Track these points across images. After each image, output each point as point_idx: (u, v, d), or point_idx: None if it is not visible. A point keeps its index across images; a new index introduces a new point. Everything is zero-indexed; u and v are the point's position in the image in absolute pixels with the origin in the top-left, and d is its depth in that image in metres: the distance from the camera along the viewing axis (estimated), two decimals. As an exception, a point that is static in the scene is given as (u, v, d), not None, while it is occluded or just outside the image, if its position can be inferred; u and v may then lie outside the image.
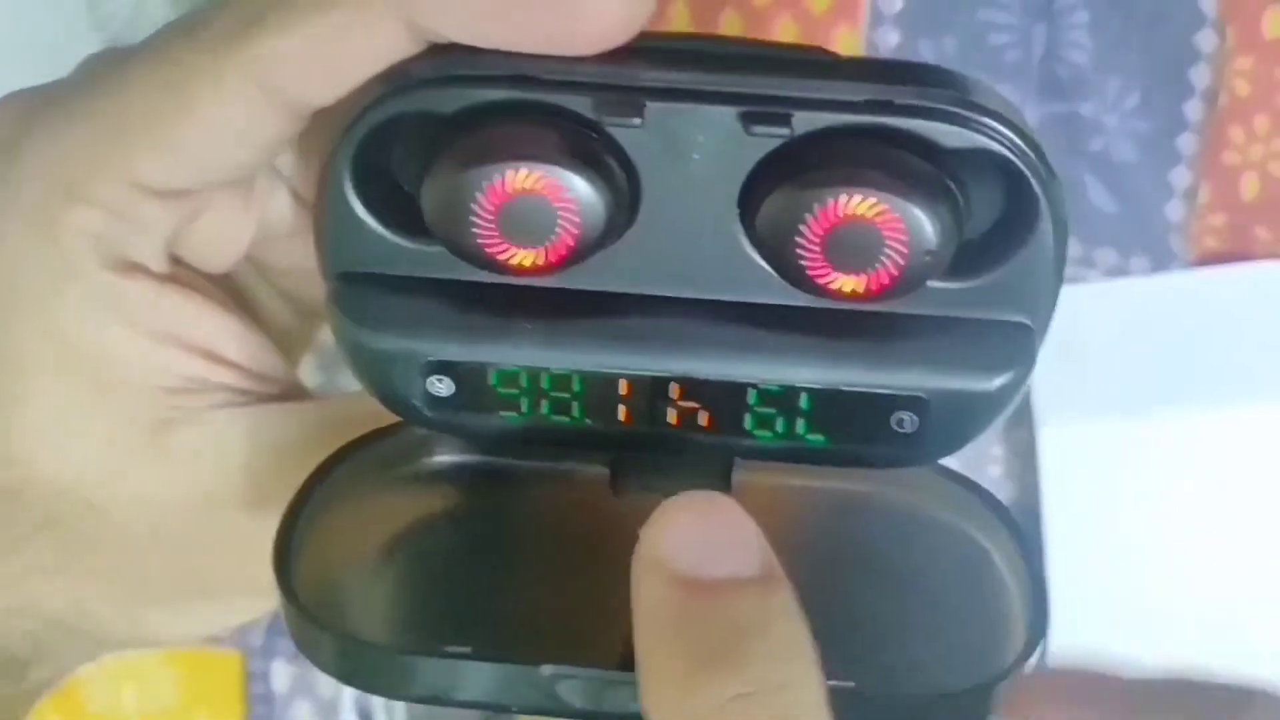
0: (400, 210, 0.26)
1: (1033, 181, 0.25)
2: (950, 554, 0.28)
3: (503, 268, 0.25)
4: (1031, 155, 0.25)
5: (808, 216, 0.25)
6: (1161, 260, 0.51)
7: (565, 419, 0.27)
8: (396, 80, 0.25)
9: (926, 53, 0.49)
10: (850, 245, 0.25)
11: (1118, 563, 0.52)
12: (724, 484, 0.28)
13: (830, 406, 0.27)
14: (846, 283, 0.25)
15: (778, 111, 0.25)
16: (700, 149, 0.25)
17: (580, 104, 0.25)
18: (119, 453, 0.28)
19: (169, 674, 0.56)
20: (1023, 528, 0.27)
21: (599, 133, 0.25)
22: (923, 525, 0.28)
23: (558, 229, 0.25)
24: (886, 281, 0.25)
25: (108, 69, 0.27)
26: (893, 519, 0.29)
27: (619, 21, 0.24)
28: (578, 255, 0.25)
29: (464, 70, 0.25)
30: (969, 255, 0.26)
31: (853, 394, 0.26)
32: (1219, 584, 0.52)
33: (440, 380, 0.27)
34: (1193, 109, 0.50)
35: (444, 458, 0.29)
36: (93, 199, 0.26)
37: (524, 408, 0.27)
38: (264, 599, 0.29)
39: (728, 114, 0.25)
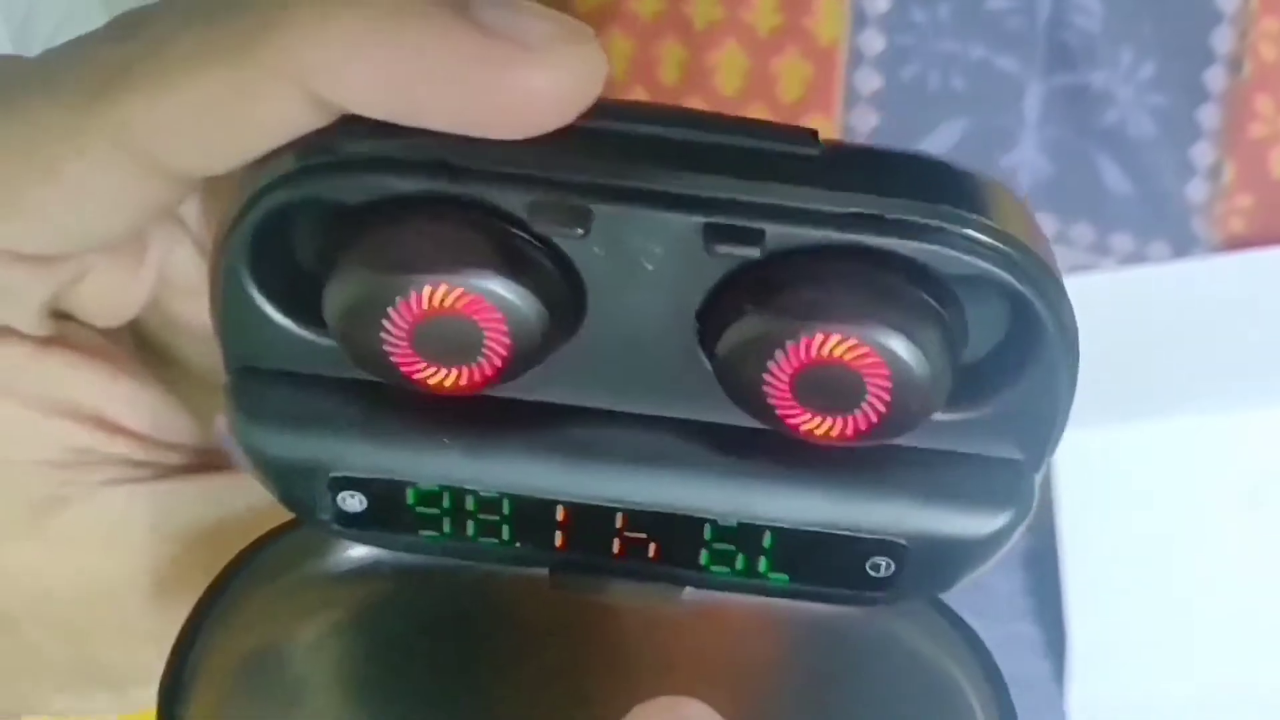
0: (307, 297, 0.23)
1: (1045, 315, 0.22)
2: (917, 683, 0.25)
3: (419, 386, 0.22)
4: (1043, 283, 0.22)
5: (777, 353, 0.21)
6: (1183, 246, 0.49)
7: (494, 541, 0.24)
8: (302, 154, 0.22)
9: (919, 18, 0.46)
10: (826, 387, 0.22)
11: (1139, 579, 0.50)
12: (675, 596, 0.25)
13: (796, 546, 0.24)
14: (821, 425, 0.22)
15: (747, 226, 0.21)
16: (654, 259, 0.22)
17: (513, 203, 0.21)
18: None
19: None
20: (995, 665, 0.25)
21: (536, 236, 0.22)
22: (889, 650, 0.25)
23: (484, 349, 0.22)
24: (865, 428, 0.22)
25: None
26: (857, 642, 0.25)
27: (559, 101, 0.21)
28: (507, 374, 0.22)
29: (371, 152, 0.22)
30: (962, 383, 0.23)
31: (823, 536, 0.24)
32: (1254, 598, 0.50)
33: (351, 495, 0.24)
34: (1214, 78, 0.47)
35: (364, 551, 0.26)
36: None
37: (446, 528, 0.24)
38: None
39: (687, 224, 0.22)
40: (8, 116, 0.23)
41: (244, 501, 0.27)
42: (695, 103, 0.47)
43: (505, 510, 0.24)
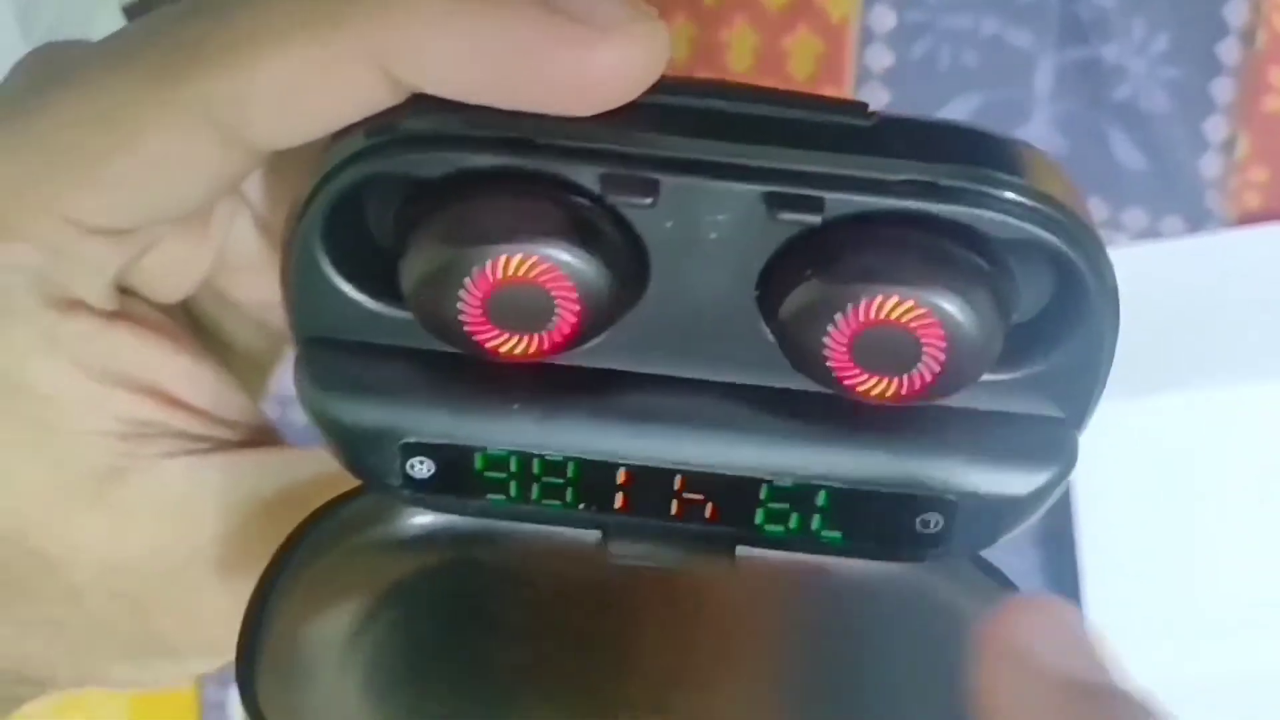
0: (378, 270, 0.24)
1: (1087, 274, 0.23)
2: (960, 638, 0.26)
3: (492, 354, 0.23)
4: (1086, 244, 0.23)
5: (837, 316, 0.22)
6: (1197, 220, 0.48)
7: (557, 503, 0.25)
8: (375, 131, 0.23)
9: None
10: (883, 348, 0.23)
11: (1157, 553, 0.50)
12: (728, 558, 0.26)
13: (850, 505, 0.25)
14: (877, 386, 0.23)
15: (808, 194, 0.22)
16: (718, 228, 0.23)
17: (584, 176, 0.22)
18: (64, 501, 0.26)
19: (119, 704, 0.54)
20: None
21: (604, 207, 0.23)
22: (933, 607, 0.26)
23: (555, 317, 0.23)
24: (920, 388, 0.23)
25: (34, 93, 0.24)
26: (900, 598, 0.26)
27: (627, 78, 0.22)
28: (576, 341, 0.23)
29: (451, 129, 0.23)
30: (1010, 346, 0.24)
31: (875, 494, 0.25)
32: (1271, 577, 0.50)
33: (420, 462, 0.25)
34: (1228, 50, 0.47)
35: (426, 519, 0.26)
36: (26, 235, 0.25)
37: (512, 492, 0.25)
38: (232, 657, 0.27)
39: (751, 193, 0.22)
40: (84, 92, 0.24)
41: (302, 473, 0.27)
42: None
43: (569, 473, 0.25)
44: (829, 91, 0.46)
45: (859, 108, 0.23)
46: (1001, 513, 0.25)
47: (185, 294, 0.28)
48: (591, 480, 0.25)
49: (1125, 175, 0.48)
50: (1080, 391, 0.25)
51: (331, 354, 0.25)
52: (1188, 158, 0.48)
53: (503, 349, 0.23)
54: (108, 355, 0.26)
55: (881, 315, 0.22)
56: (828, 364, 0.23)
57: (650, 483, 0.25)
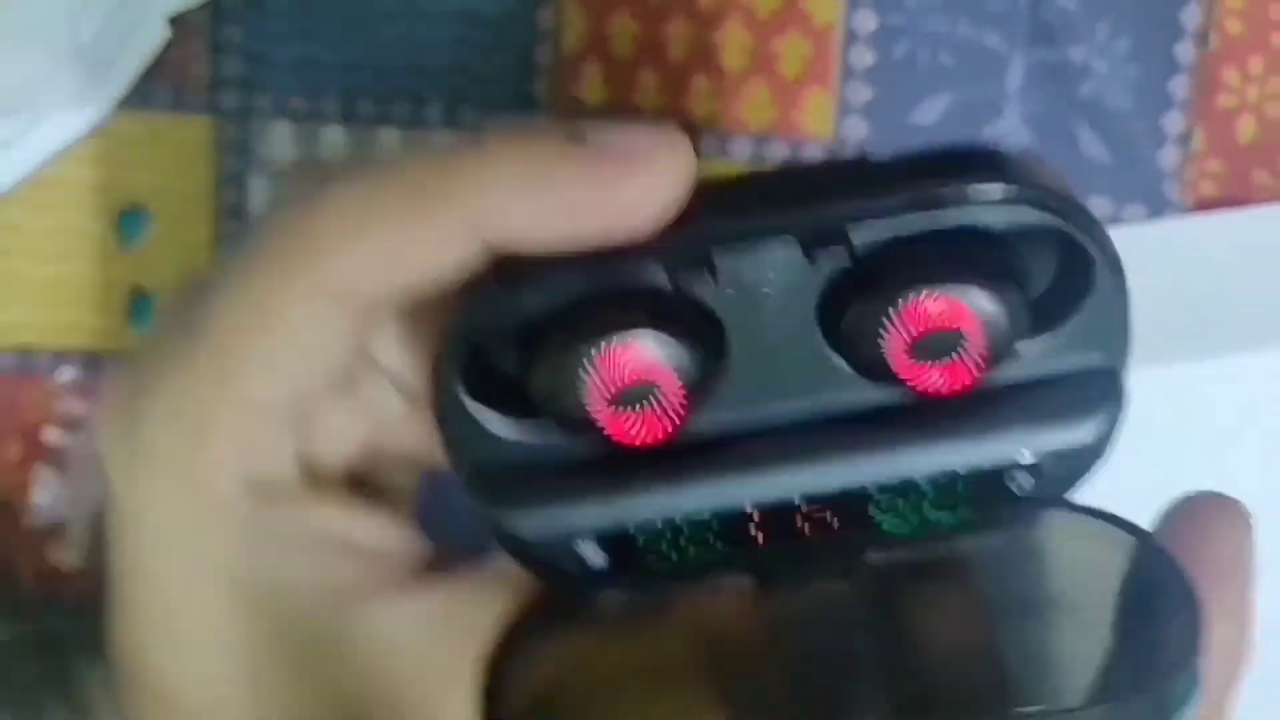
0: (510, 393, 0.28)
1: (1083, 240, 0.27)
2: (1099, 571, 0.29)
3: (621, 441, 0.27)
4: (1077, 217, 0.27)
5: (887, 326, 0.26)
6: (1157, 208, 0.50)
7: (707, 553, 0.29)
8: (478, 290, 0.27)
9: (909, 1, 0.48)
10: (934, 347, 0.27)
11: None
12: (859, 562, 0.29)
13: (949, 487, 0.28)
14: (940, 380, 0.27)
15: (835, 232, 0.26)
16: (771, 283, 0.27)
17: (654, 273, 0.27)
18: (276, 674, 0.28)
19: None
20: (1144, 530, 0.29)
21: (680, 294, 0.27)
22: (1062, 551, 0.30)
23: (659, 397, 0.27)
24: (975, 369, 0.27)
25: (193, 307, 0.28)
26: (1031, 550, 0.30)
27: (669, 197, 0.26)
28: (689, 413, 0.27)
29: (541, 270, 0.27)
30: (1037, 316, 0.28)
31: (969, 474, 0.28)
32: None
33: (594, 551, 0.29)
34: (1184, 51, 0.49)
35: (614, 596, 0.30)
36: (219, 432, 0.27)
37: (671, 555, 0.29)
38: None
39: (789, 246, 0.26)
40: (232, 293, 0.27)
41: (492, 594, 0.29)
42: (700, 79, 0.50)
43: (713, 526, 0.28)
44: (816, 90, 0.49)
45: (862, 159, 0.28)
46: (1078, 458, 0.28)
47: (349, 458, 0.30)
48: (731, 526, 0.28)
49: (1090, 167, 0.50)
50: (1113, 338, 0.28)
51: (494, 478, 0.28)
52: (1148, 150, 0.50)
53: (630, 433, 0.27)
54: (306, 528, 0.28)
55: (923, 318, 0.26)
56: (894, 372, 0.27)
57: (779, 515, 0.28)
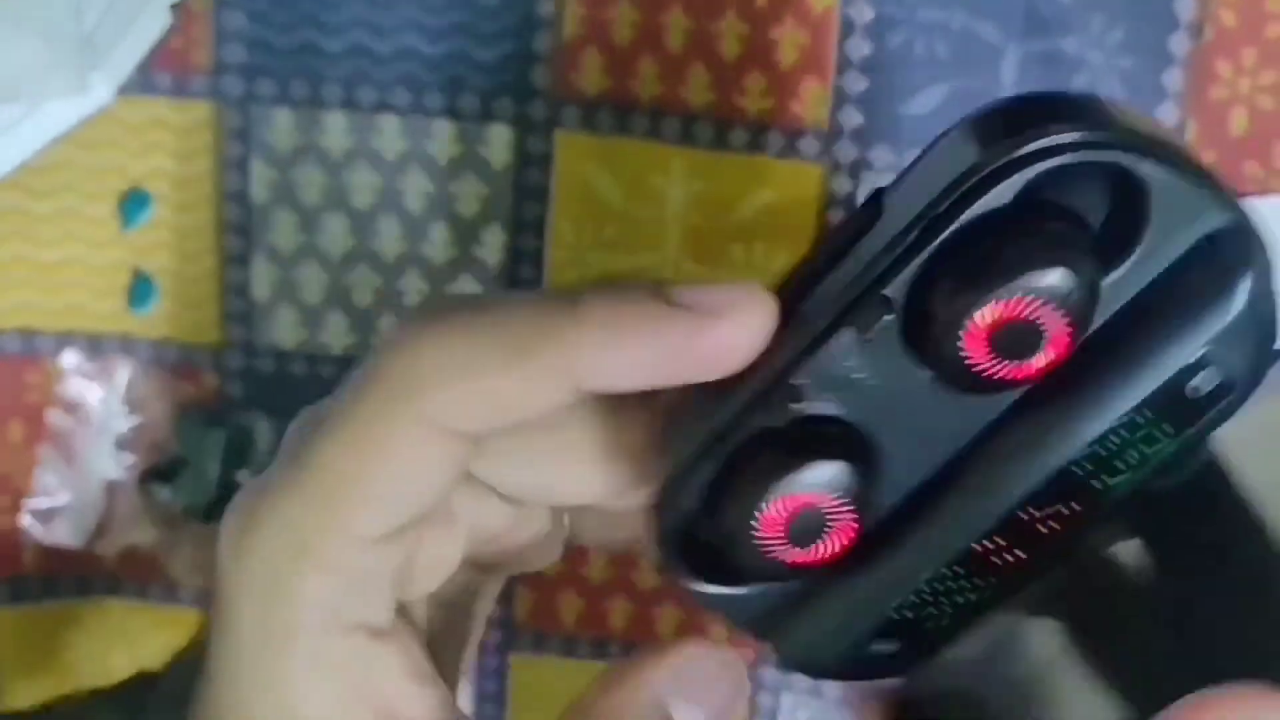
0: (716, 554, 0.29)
1: (1117, 152, 0.26)
2: None
3: (826, 562, 0.28)
4: (1108, 130, 0.26)
5: (962, 354, 0.26)
6: None
7: (973, 594, 0.29)
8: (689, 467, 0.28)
9: None
10: (1009, 343, 0.26)
11: None
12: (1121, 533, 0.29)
13: (1141, 425, 0.27)
14: (1039, 363, 0.26)
15: (872, 301, 0.27)
16: (856, 369, 0.27)
17: (776, 414, 0.28)
18: None
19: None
20: None
21: (804, 423, 0.28)
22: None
23: (831, 529, 0.28)
24: (1066, 334, 0.26)
25: (305, 438, 0.29)
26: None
27: (752, 343, 0.27)
28: (863, 513, 0.28)
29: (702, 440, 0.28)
30: (1113, 241, 0.27)
31: (1146, 403, 0.27)
32: None
33: (881, 643, 0.30)
34: (1178, 43, 0.49)
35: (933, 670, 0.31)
36: (323, 564, 0.28)
37: (946, 610, 0.30)
38: None
39: (847, 336, 0.27)
40: (337, 427, 0.28)
41: None
42: (698, 68, 0.50)
43: (960, 573, 0.29)
44: (813, 81, 0.50)
45: (873, 201, 0.28)
46: (1247, 328, 0.26)
47: (438, 586, 0.31)
48: (981, 564, 0.29)
49: (1084, 157, 0.50)
50: (1206, 209, 0.26)
51: (766, 624, 0.30)
52: None
53: (825, 556, 0.28)
54: (367, 675, 0.29)
55: (977, 337, 0.26)
56: (1001, 378, 0.27)
57: (1017, 533, 0.29)
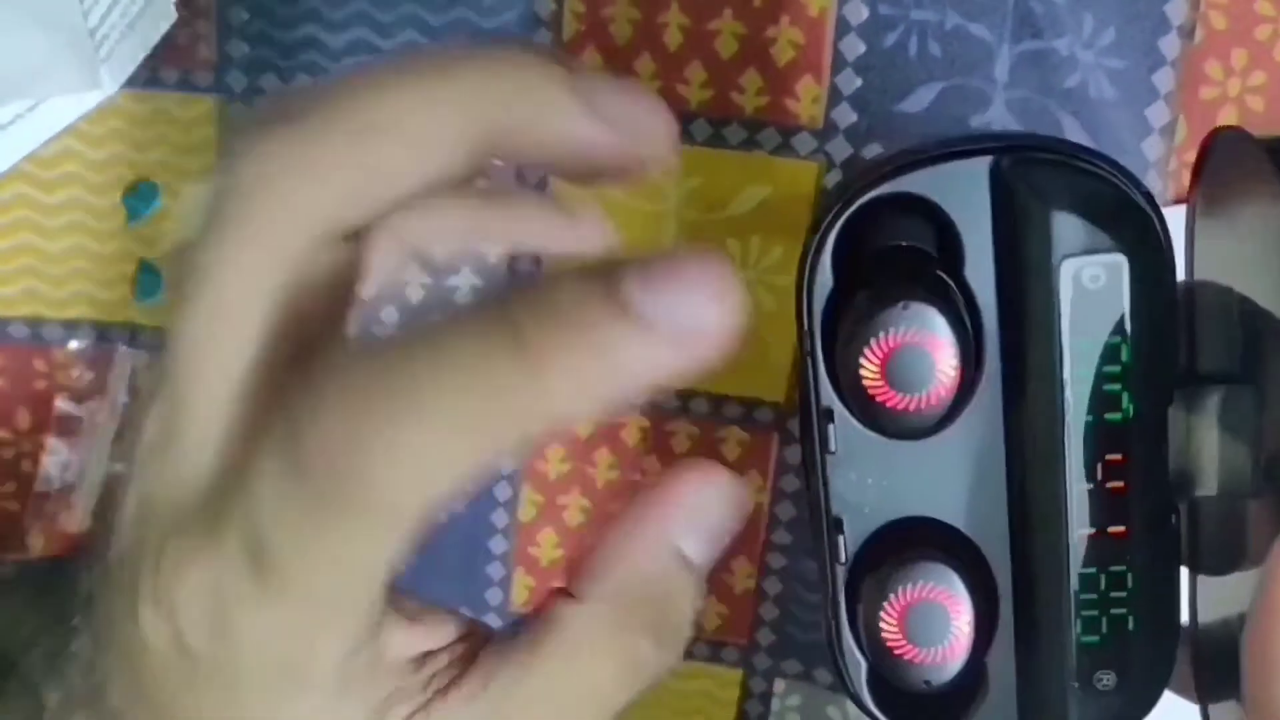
0: None
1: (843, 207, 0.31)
2: None
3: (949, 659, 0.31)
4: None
5: (872, 398, 0.30)
6: None
7: (1120, 594, 0.31)
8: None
9: None
10: (906, 371, 0.29)
11: None
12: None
13: (1083, 331, 0.30)
14: (946, 373, 0.30)
15: (822, 419, 0.31)
16: (857, 480, 0.31)
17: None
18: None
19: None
20: None
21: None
22: None
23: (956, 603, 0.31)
24: (949, 346, 0.30)
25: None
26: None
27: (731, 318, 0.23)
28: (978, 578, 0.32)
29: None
30: (953, 240, 0.31)
31: (1068, 317, 0.30)
32: None
33: (1098, 674, 0.32)
34: (1169, 44, 0.50)
35: None
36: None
37: (1120, 618, 0.31)
38: None
39: (828, 460, 0.31)
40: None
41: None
42: (694, 66, 0.51)
43: (1094, 571, 0.31)
44: (809, 79, 0.50)
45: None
46: (1080, 206, 0.30)
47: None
48: (1098, 558, 0.31)
49: (1075, 156, 0.51)
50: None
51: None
52: (1132, 141, 0.50)
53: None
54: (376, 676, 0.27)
55: (873, 374, 0.29)
56: (928, 408, 0.30)
57: (1097, 514, 0.31)
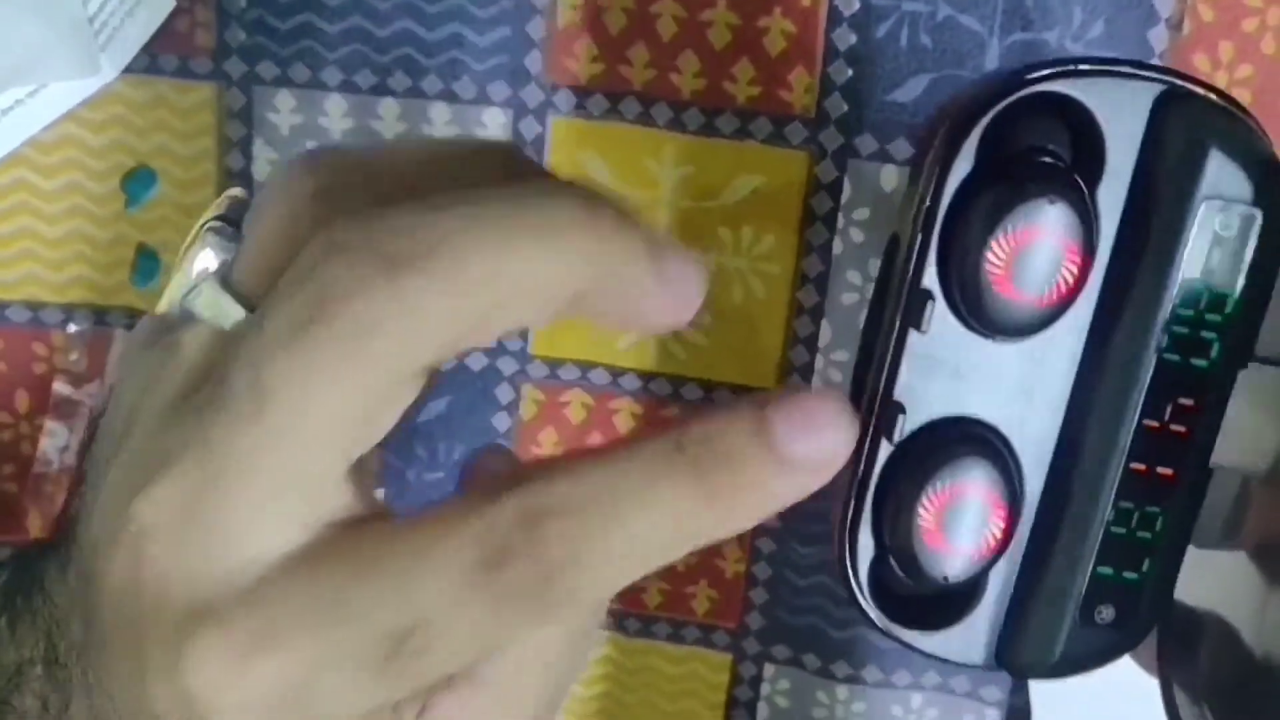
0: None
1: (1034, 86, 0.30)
2: None
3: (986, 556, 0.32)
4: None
5: (990, 289, 0.30)
6: None
7: (1147, 535, 0.32)
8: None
9: None
10: (1033, 271, 0.30)
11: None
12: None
13: (1199, 273, 0.31)
14: (1059, 284, 0.30)
15: (915, 297, 0.31)
16: (935, 367, 0.31)
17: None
18: None
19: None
20: None
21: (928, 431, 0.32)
22: None
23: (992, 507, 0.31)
24: (1076, 252, 0.30)
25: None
26: None
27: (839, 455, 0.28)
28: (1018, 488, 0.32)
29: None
30: (1092, 156, 0.31)
31: (1189, 254, 0.30)
32: None
33: (1099, 608, 0.32)
34: (1158, 37, 0.50)
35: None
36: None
37: (1139, 558, 0.32)
38: None
39: (913, 336, 0.31)
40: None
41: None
42: (687, 56, 0.51)
43: (1130, 506, 0.32)
44: (801, 69, 0.51)
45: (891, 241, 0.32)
46: (1236, 154, 0.30)
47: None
48: (1137, 494, 0.31)
49: (1064, 147, 0.51)
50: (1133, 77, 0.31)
51: (1006, 641, 0.32)
52: None
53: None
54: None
55: (1001, 263, 0.29)
56: (1036, 305, 0.30)
57: (1149, 452, 0.31)
